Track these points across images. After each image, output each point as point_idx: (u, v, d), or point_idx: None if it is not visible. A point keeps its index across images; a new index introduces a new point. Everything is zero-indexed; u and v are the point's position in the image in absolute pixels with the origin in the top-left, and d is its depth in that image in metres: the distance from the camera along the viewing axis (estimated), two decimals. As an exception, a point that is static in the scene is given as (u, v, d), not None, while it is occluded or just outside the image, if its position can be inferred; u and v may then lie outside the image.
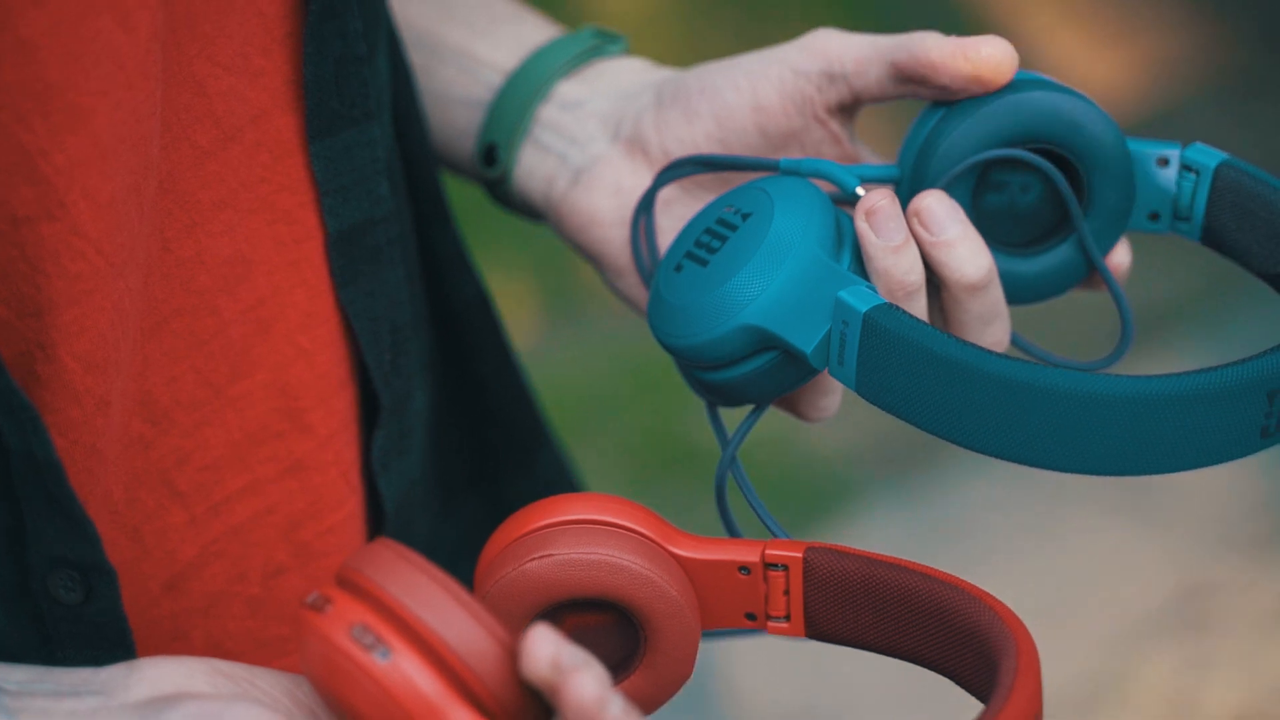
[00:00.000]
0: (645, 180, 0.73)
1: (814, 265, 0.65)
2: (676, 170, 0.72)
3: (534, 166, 0.76)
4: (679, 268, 0.68)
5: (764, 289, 0.65)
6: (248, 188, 0.66)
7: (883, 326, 0.63)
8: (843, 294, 0.64)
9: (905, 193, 0.70)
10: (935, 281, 0.68)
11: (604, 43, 0.78)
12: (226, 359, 0.67)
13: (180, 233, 0.64)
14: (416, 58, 0.78)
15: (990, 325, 0.68)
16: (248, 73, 0.65)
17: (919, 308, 0.67)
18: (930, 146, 0.69)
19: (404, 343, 0.73)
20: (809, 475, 2.15)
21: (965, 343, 0.62)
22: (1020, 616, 0.60)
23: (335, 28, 0.66)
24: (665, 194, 0.75)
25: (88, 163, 0.58)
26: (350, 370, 0.71)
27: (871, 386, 0.64)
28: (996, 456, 0.63)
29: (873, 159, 0.74)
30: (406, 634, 0.55)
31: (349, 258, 0.69)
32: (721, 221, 0.68)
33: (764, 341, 0.66)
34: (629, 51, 0.79)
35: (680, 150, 0.73)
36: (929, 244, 0.67)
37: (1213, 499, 2.08)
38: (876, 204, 0.66)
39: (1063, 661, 1.89)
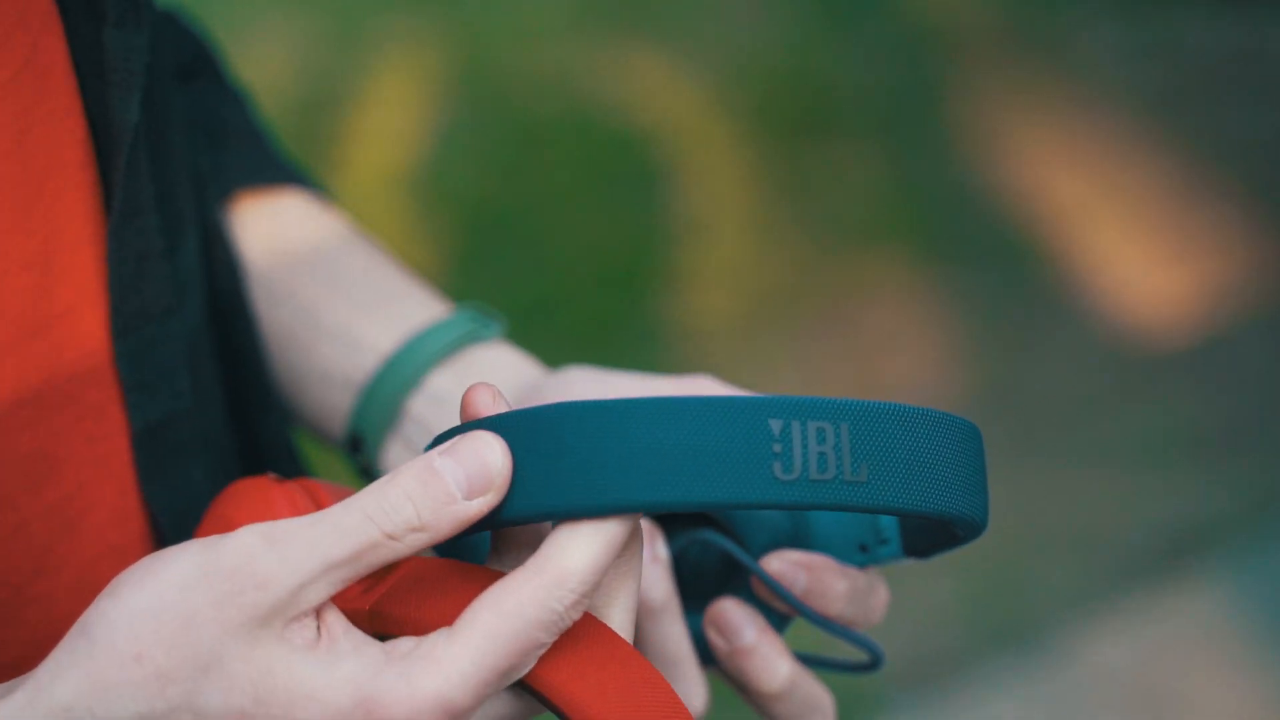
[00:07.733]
0: None
1: None
2: None
3: (399, 460, 0.76)
4: None
5: None
6: (53, 385, 0.65)
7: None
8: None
9: None
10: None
11: (479, 327, 0.77)
12: (29, 557, 0.66)
13: None
14: (300, 332, 0.79)
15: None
16: (52, 271, 0.65)
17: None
18: None
19: None
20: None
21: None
22: None
23: (136, 226, 0.66)
24: None
25: None
26: None
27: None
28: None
29: None
30: None
31: (153, 454, 0.69)
32: None
33: None
34: (505, 335, 0.78)
35: None
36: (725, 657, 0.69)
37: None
38: None
39: None
